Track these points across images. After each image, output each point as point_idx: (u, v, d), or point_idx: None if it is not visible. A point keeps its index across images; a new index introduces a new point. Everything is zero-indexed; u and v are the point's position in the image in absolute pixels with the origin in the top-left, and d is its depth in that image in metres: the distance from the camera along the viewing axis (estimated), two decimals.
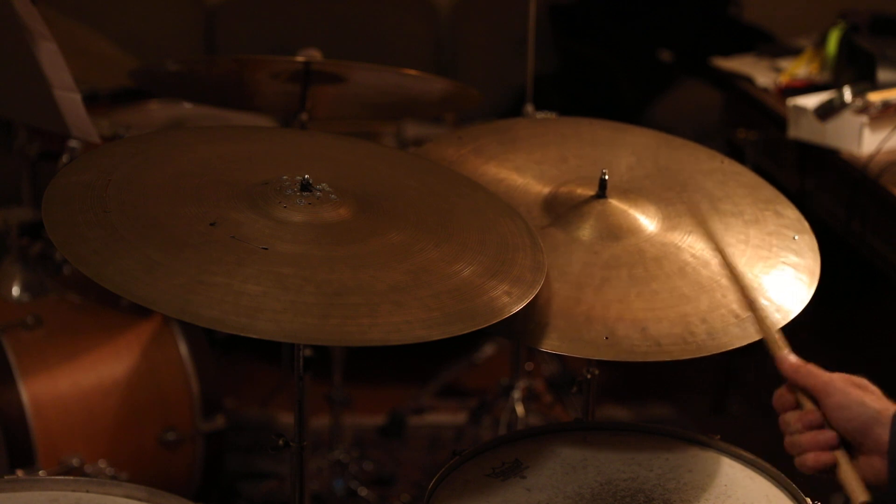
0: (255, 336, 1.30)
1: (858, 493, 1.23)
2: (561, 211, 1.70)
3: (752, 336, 1.53)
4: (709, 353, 1.52)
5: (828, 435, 1.27)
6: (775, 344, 1.36)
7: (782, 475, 1.56)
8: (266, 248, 1.42)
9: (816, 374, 1.31)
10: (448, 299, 1.41)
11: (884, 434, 1.23)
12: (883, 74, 2.62)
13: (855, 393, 1.28)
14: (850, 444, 1.27)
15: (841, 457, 1.26)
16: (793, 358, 1.33)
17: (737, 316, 1.55)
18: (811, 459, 1.27)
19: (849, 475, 1.25)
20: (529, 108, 2.57)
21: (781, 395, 1.33)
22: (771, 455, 1.57)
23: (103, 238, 1.39)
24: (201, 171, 1.59)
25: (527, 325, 1.50)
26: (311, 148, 1.80)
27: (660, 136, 1.94)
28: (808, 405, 1.30)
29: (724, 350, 1.53)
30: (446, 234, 1.54)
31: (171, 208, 1.47)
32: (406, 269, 1.44)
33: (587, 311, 1.53)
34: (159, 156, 1.64)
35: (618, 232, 1.66)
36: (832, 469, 1.26)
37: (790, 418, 1.30)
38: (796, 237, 1.70)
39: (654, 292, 1.57)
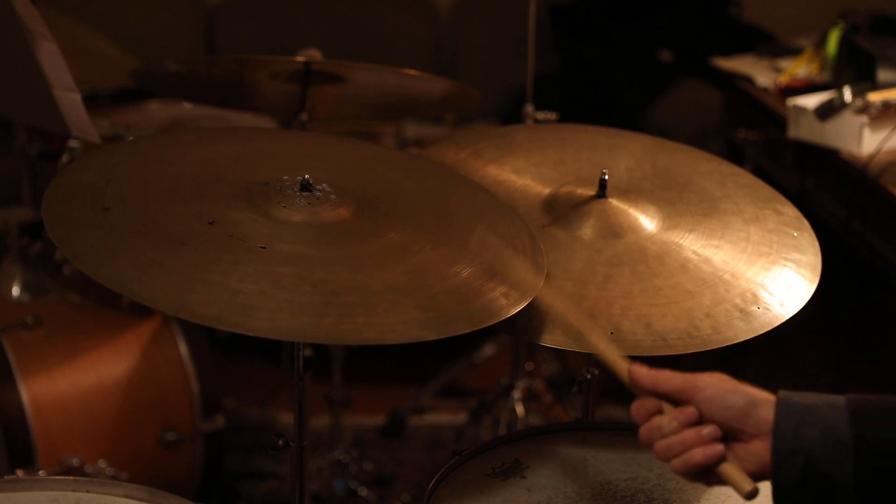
0: (250, 333, 1.30)
1: (744, 482, 1.20)
2: (561, 211, 1.70)
3: (758, 330, 1.54)
4: (714, 347, 1.52)
5: (710, 427, 1.23)
6: (620, 362, 1.32)
7: None
8: (264, 247, 1.42)
9: (679, 375, 1.27)
10: (445, 300, 1.41)
11: (767, 413, 1.20)
12: (883, 74, 2.62)
13: (725, 383, 1.25)
14: (728, 434, 1.23)
15: (724, 450, 1.22)
16: (644, 368, 1.28)
17: (741, 310, 1.55)
18: (699, 455, 1.22)
19: (731, 468, 1.21)
20: (529, 108, 2.57)
21: (641, 405, 1.27)
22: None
23: (102, 236, 1.39)
24: (202, 170, 1.59)
25: (530, 321, 1.50)
26: (312, 148, 1.80)
27: (657, 140, 1.95)
28: (670, 408, 1.25)
29: (729, 344, 1.53)
30: (445, 235, 1.54)
31: (170, 207, 1.48)
32: (404, 270, 1.44)
33: (591, 308, 1.53)
34: (160, 155, 1.64)
35: (619, 230, 1.67)
36: (714, 465, 1.22)
37: (661, 421, 1.25)
38: (796, 234, 1.71)
39: (658, 288, 1.57)
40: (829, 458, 1.17)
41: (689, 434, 1.23)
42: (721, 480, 1.24)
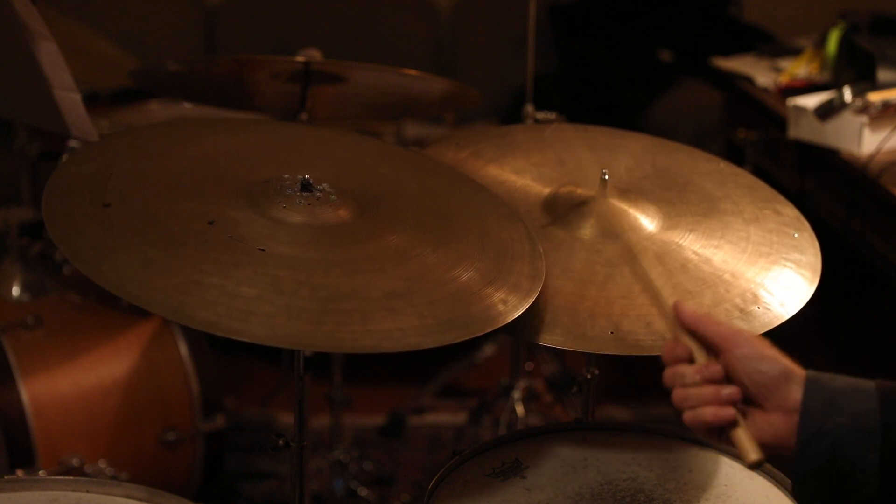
0: (247, 340, 1.30)
1: (752, 451, 1.19)
2: (561, 210, 1.70)
3: (758, 330, 1.54)
4: None
5: (731, 389, 1.22)
6: (664, 292, 1.30)
7: (782, 475, 1.56)
8: (263, 250, 1.41)
9: (723, 324, 1.26)
10: (443, 306, 1.40)
11: (795, 391, 1.19)
12: (883, 74, 2.62)
13: (764, 347, 1.23)
14: (750, 398, 1.22)
15: (737, 414, 1.22)
16: (690, 307, 1.27)
17: (741, 310, 1.55)
18: (710, 414, 1.21)
19: (742, 433, 1.20)
20: (529, 108, 2.57)
21: (673, 348, 1.26)
22: (771, 455, 1.57)
23: (101, 234, 1.39)
24: (203, 166, 1.59)
25: (531, 321, 1.50)
26: (314, 145, 1.80)
27: (657, 140, 1.95)
28: (704, 359, 1.24)
29: None
30: (445, 237, 1.54)
31: (170, 205, 1.47)
32: (402, 275, 1.44)
33: (591, 307, 1.53)
34: (162, 149, 1.64)
35: (619, 230, 1.67)
36: (726, 427, 1.21)
37: (686, 370, 1.23)
38: (796, 235, 1.71)
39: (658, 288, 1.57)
40: (856, 444, 1.15)
41: (708, 390, 1.22)
42: (730, 442, 1.23)
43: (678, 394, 1.23)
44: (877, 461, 1.15)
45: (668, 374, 1.25)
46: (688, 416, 1.22)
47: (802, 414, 1.18)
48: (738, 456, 1.61)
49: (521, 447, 1.63)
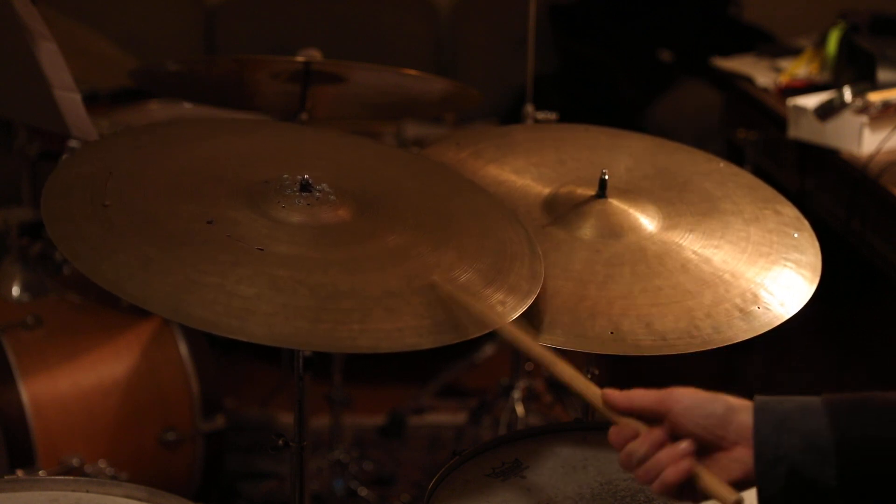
0: (245, 339, 1.30)
1: (727, 493, 1.19)
2: (561, 211, 1.70)
3: (758, 330, 1.54)
4: (714, 347, 1.52)
5: (682, 444, 1.21)
6: (589, 387, 1.30)
7: None
8: (262, 249, 1.41)
9: (652, 392, 1.26)
10: (441, 307, 1.40)
11: (746, 419, 1.20)
12: (883, 74, 2.62)
13: (700, 393, 1.24)
14: (708, 444, 1.22)
15: (698, 465, 1.21)
16: (616, 391, 1.27)
17: (741, 310, 1.55)
18: (671, 475, 1.20)
19: (711, 479, 1.20)
20: (529, 108, 2.57)
21: (618, 432, 1.25)
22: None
23: (100, 233, 1.39)
24: (202, 166, 1.59)
25: (531, 321, 1.50)
26: (314, 145, 1.80)
27: (657, 140, 1.95)
28: (645, 430, 1.24)
29: (729, 343, 1.53)
30: (445, 238, 1.54)
31: (170, 204, 1.47)
32: (401, 275, 1.44)
33: (591, 307, 1.53)
34: (162, 149, 1.64)
35: (619, 230, 1.67)
36: (692, 481, 1.20)
37: (633, 447, 1.23)
38: (796, 235, 1.71)
39: (658, 288, 1.57)
40: (812, 463, 1.16)
41: (662, 455, 1.22)
42: (704, 493, 1.22)
43: (638, 473, 1.23)
44: (834, 476, 1.16)
45: (623, 458, 1.25)
46: (655, 486, 1.22)
47: (756, 442, 1.18)
48: None
49: (521, 447, 1.63)
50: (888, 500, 1.17)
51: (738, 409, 1.22)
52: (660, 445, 1.22)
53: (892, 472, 1.16)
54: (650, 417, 1.25)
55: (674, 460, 1.21)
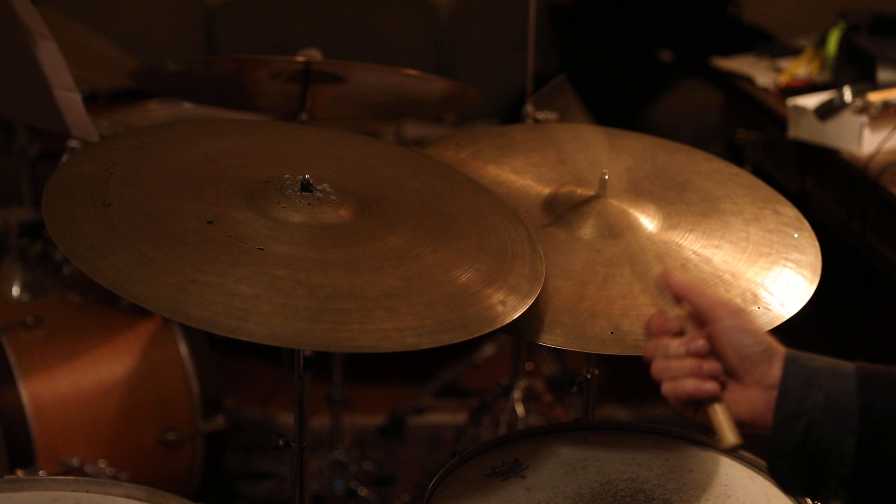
0: (245, 339, 1.30)
1: (730, 435, 1.19)
2: (561, 211, 1.70)
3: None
4: None
5: (714, 364, 1.21)
6: (657, 261, 1.30)
7: None
8: (262, 249, 1.41)
9: (709, 294, 1.25)
10: (441, 307, 1.40)
11: (775, 368, 1.19)
12: (883, 74, 2.62)
13: (749, 322, 1.23)
14: (731, 372, 1.22)
15: (721, 393, 1.21)
16: (678, 275, 1.26)
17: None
18: (691, 386, 1.20)
19: (722, 413, 1.20)
20: (529, 108, 2.57)
21: (662, 321, 1.25)
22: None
23: (101, 232, 1.39)
24: (203, 166, 1.59)
25: (531, 321, 1.50)
26: (316, 145, 1.80)
27: (656, 140, 1.95)
28: (691, 330, 1.23)
29: None
30: (445, 238, 1.54)
31: (170, 204, 1.47)
32: (401, 275, 1.43)
33: (591, 307, 1.53)
34: (163, 149, 1.63)
35: (619, 230, 1.67)
36: (706, 402, 1.21)
37: (670, 342, 1.22)
38: (796, 234, 1.71)
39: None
40: (832, 424, 1.15)
41: (690, 363, 1.21)
42: (707, 419, 1.22)
43: (658, 364, 1.23)
44: (853, 443, 1.15)
45: (650, 345, 1.24)
46: (667, 386, 1.22)
47: (780, 392, 1.18)
48: (738, 455, 1.62)
49: (521, 447, 1.63)
50: None
51: (773, 355, 1.21)
52: (696, 354, 1.22)
53: None
54: (695, 315, 1.24)
55: (699, 375, 1.20)
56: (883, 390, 1.17)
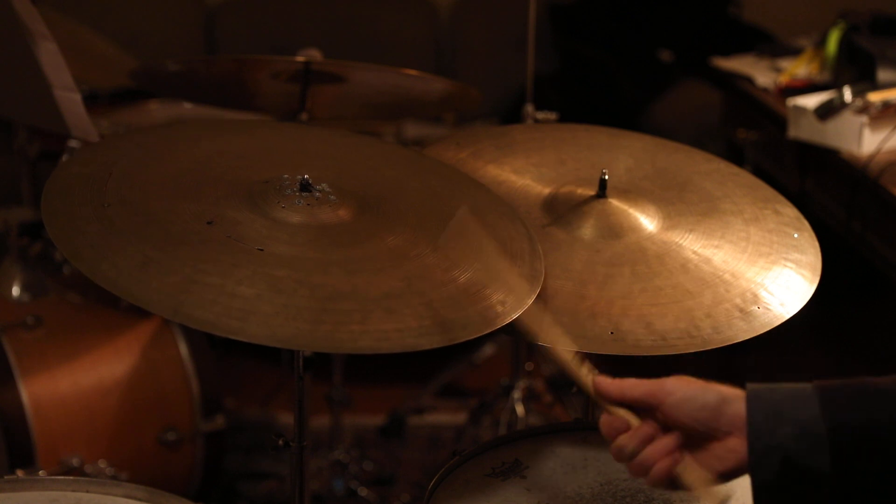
0: (245, 340, 1.30)
1: (709, 495, 1.20)
2: (561, 211, 1.70)
3: (758, 330, 1.54)
4: (714, 347, 1.52)
5: (668, 438, 1.22)
6: (581, 371, 1.29)
7: None
8: (261, 249, 1.41)
9: (644, 382, 1.25)
10: (441, 307, 1.40)
11: (739, 409, 1.20)
12: (883, 74, 2.62)
13: (693, 384, 1.23)
14: (702, 435, 1.22)
15: (684, 462, 1.21)
16: (608, 378, 1.27)
17: (741, 310, 1.55)
18: (660, 470, 1.21)
19: (695, 475, 1.20)
20: (529, 108, 2.57)
21: (609, 424, 1.25)
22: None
23: (100, 233, 1.39)
24: (203, 167, 1.59)
25: (531, 321, 1.50)
26: (315, 145, 1.80)
27: (656, 140, 1.95)
28: (636, 421, 1.24)
29: (729, 343, 1.53)
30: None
31: (170, 204, 1.47)
32: (401, 275, 1.43)
33: (591, 307, 1.53)
34: (162, 150, 1.64)
35: (619, 230, 1.67)
36: (681, 475, 1.21)
37: (623, 441, 1.24)
38: (796, 234, 1.71)
39: (658, 288, 1.57)
40: (806, 451, 1.16)
41: (651, 450, 1.22)
42: (685, 484, 1.23)
43: (631, 466, 1.24)
44: (828, 462, 1.16)
45: (614, 451, 1.25)
46: (648, 481, 1.23)
47: (749, 432, 1.19)
48: None
49: (521, 447, 1.63)
50: (882, 485, 1.17)
51: (730, 400, 1.22)
52: (649, 440, 1.22)
53: (884, 456, 1.16)
54: (642, 408, 1.25)
55: (662, 456, 1.21)
56: (845, 406, 1.18)
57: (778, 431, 1.18)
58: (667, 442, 1.22)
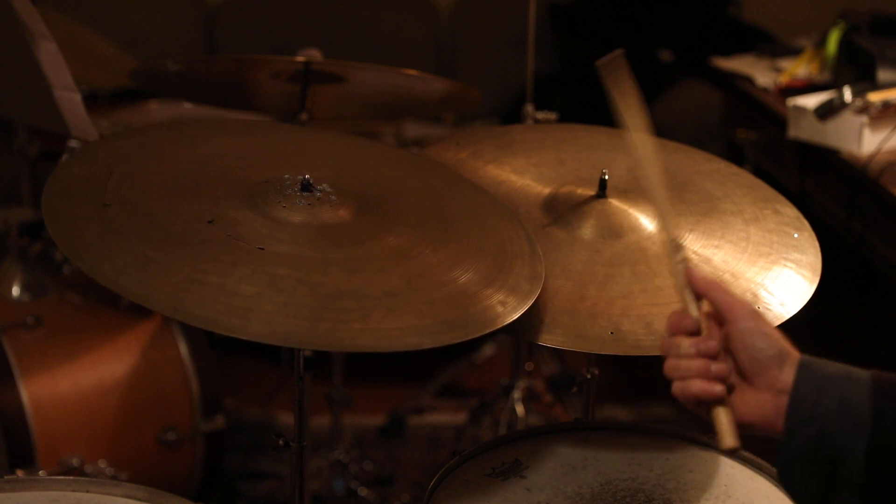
0: (246, 338, 1.30)
1: (729, 438, 1.19)
2: (561, 211, 1.70)
3: None
4: None
5: (721, 367, 1.21)
6: (677, 256, 1.29)
7: None
8: (262, 249, 1.41)
9: (731, 294, 1.25)
10: (441, 307, 1.40)
11: (787, 374, 1.19)
12: (883, 74, 2.62)
13: (766, 325, 1.23)
14: (743, 373, 1.22)
15: (726, 396, 1.21)
16: (701, 270, 1.26)
17: None
18: (697, 387, 1.20)
19: (724, 415, 1.20)
20: (529, 108, 2.57)
21: (680, 319, 1.25)
22: (771, 455, 1.57)
23: (101, 232, 1.39)
24: (203, 166, 1.59)
25: (531, 321, 1.50)
26: (316, 146, 1.80)
27: (657, 140, 1.94)
28: (707, 331, 1.23)
29: None
30: (445, 238, 1.54)
31: (170, 204, 1.47)
32: (402, 274, 1.44)
33: (591, 307, 1.53)
34: (163, 149, 1.64)
35: (619, 230, 1.67)
36: (711, 403, 1.20)
37: (682, 341, 1.23)
38: (796, 234, 1.71)
39: (658, 288, 1.57)
40: (844, 431, 1.15)
41: (698, 364, 1.21)
42: (710, 420, 1.22)
43: (670, 364, 1.23)
44: (864, 449, 1.14)
45: (665, 343, 1.25)
46: (676, 386, 1.22)
47: (793, 398, 1.17)
48: (738, 455, 1.62)
49: (521, 447, 1.63)
50: None
51: (786, 360, 1.20)
52: (706, 355, 1.21)
53: None
54: (713, 314, 1.25)
55: (706, 376, 1.20)
56: None
57: (821, 403, 1.16)
58: (720, 368, 1.21)
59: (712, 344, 1.22)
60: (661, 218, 1.34)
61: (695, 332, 1.24)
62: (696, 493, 1.55)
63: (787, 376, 1.19)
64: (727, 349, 1.23)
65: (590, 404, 1.79)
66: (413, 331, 1.35)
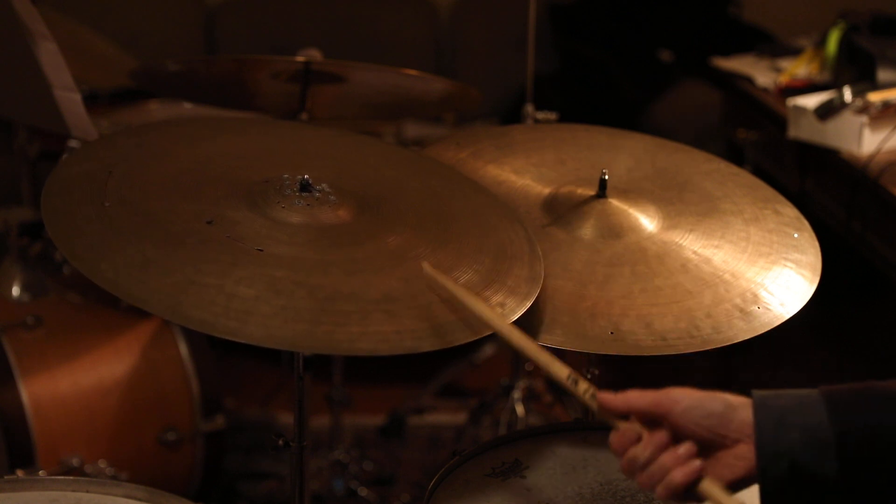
0: (244, 341, 1.29)
1: (729, 501, 1.18)
2: (561, 211, 1.70)
3: (758, 330, 1.54)
4: (714, 347, 1.52)
5: (687, 446, 1.20)
6: (579, 389, 1.28)
7: None
8: (261, 250, 1.41)
9: (647, 393, 1.24)
10: (440, 309, 1.40)
11: (746, 415, 1.19)
12: (883, 74, 2.62)
13: (696, 392, 1.23)
14: (710, 444, 1.21)
15: (705, 468, 1.19)
16: (610, 393, 1.25)
17: (741, 310, 1.55)
18: (679, 476, 1.18)
19: (712, 486, 1.19)
20: (529, 108, 2.57)
21: (620, 437, 1.23)
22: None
23: (100, 232, 1.39)
24: (202, 166, 1.59)
25: (531, 321, 1.50)
26: (316, 145, 1.80)
27: (657, 140, 1.95)
28: (646, 433, 1.22)
29: (729, 343, 1.53)
30: (444, 239, 1.54)
31: (169, 204, 1.47)
32: (401, 276, 1.43)
33: (591, 307, 1.53)
34: (162, 149, 1.63)
35: (619, 231, 1.67)
36: (695, 483, 1.19)
37: (636, 452, 1.21)
38: (796, 234, 1.71)
39: (658, 288, 1.57)
40: (814, 457, 1.16)
41: (666, 457, 1.20)
42: (707, 498, 1.21)
43: (641, 477, 1.22)
44: (836, 468, 1.16)
45: (624, 465, 1.23)
46: (659, 490, 1.20)
47: (757, 439, 1.18)
48: None
49: (521, 447, 1.63)
50: (889, 489, 1.17)
51: (737, 407, 1.21)
52: (664, 448, 1.21)
53: (893, 460, 1.16)
54: (648, 419, 1.24)
55: (679, 463, 1.20)
56: (852, 410, 1.18)
57: (785, 437, 1.17)
58: (686, 448, 1.20)
59: (662, 434, 1.22)
60: (547, 366, 1.33)
61: (638, 440, 1.23)
62: None
63: (749, 418, 1.20)
64: (681, 438, 1.22)
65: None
66: (411, 334, 1.35)
